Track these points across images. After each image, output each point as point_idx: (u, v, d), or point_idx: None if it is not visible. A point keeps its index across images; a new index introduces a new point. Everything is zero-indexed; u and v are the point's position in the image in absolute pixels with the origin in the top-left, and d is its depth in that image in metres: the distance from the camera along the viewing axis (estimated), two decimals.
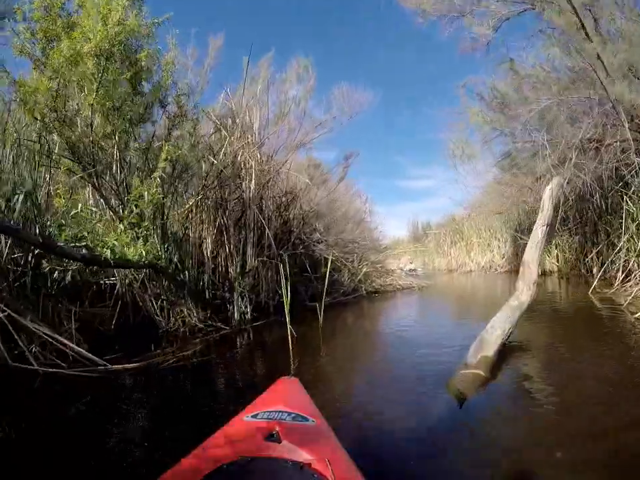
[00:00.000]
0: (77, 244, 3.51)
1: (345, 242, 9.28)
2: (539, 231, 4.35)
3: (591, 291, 8.19)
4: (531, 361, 3.94)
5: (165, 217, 6.46)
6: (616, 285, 8.29)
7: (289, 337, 4.96)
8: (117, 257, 3.89)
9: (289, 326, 5.10)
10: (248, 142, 7.89)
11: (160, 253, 5.84)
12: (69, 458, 2.38)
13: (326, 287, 6.83)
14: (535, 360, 4.00)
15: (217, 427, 1.69)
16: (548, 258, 14.41)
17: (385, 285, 11.30)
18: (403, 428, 2.56)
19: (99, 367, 3.83)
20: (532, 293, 3.99)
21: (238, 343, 5.65)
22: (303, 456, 1.41)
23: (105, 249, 3.62)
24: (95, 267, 4.97)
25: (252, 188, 7.72)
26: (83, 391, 3.49)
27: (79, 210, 3.66)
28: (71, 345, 3.82)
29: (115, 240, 3.73)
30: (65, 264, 4.24)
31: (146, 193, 4.80)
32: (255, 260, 7.37)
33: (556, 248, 14.28)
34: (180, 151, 5.44)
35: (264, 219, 7.70)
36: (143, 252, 4.35)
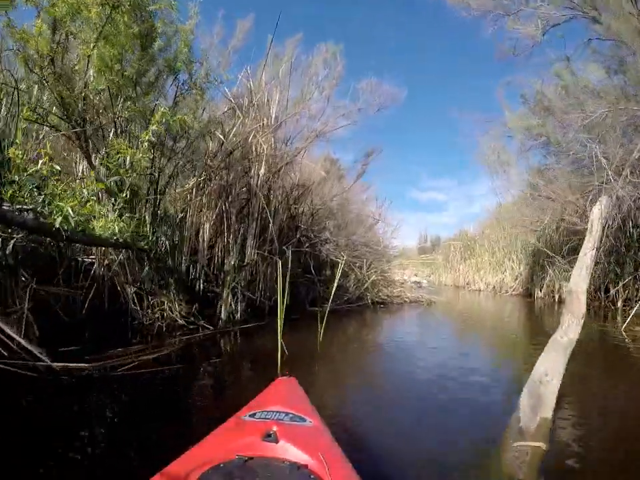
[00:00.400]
0: (23, 207, 2.81)
1: (355, 245, 8.53)
2: (588, 255, 3.63)
3: (623, 328, 7.42)
4: (588, 424, 2.98)
5: (159, 195, 5.80)
6: None
7: (279, 351, 4.02)
8: (77, 229, 3.17)
9: (280, 340, 4.08)
10: (262, 124, 7.22)
11: (147, 234, 5.22)
12: None
13: (333, 292, 6.07)
14: (591, 421, 3.08)
15: (214, 427, 1.67)
16: (565, 284, 13.64)
17: (392, 296, 10.47)
18: None
19: (39, 363, 3.09)
20: (579, 329, 3.28)
21: (219, 349, 4.84)
22: (300, 456, 1.41)
23: (56, 216, 2.89)
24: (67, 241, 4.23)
25: (261, 175, 7.03)
26: (18, 389, 2.82)
27: (39, 167, 2.95)
28: (7, 330, 3.06)
29: (71, 206, 2.99)
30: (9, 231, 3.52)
31: (128, 157, 4.09)
32: (254, 253, 6.67)
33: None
34: (178, 117, 4.72)
35: (270, 210, 7.03)
36: (116, 228, 3.62)
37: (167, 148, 5.95)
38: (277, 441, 1.46)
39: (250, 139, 7.07)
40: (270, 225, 6.87)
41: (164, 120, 4.44)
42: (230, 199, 6.75)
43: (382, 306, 9.64)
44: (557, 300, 13.71)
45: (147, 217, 5.61)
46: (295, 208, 7.79)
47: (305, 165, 8.37)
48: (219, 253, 6.71)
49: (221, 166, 6.75)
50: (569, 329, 3.29)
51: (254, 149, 7.16)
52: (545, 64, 10.60)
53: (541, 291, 14.83)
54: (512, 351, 5.89)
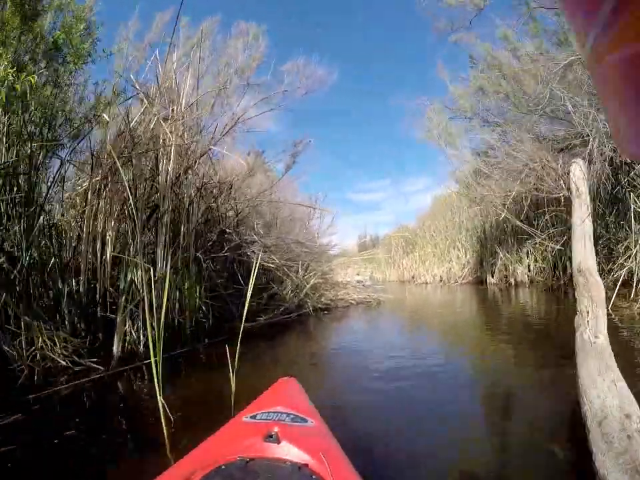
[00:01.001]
0: None
1: (287, 245, 7.43)
2: (585, 223, 2.84)
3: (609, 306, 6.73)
4: None
5: (37, 199, 4.62)
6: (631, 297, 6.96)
7: (161, 414, 2.52)
8: None
9: (160, 400, 2.56)
10: (172, 111, 6.12)
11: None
12: None
13: (264, 302, 5.06)
14: None
15: (216, 429, 1.61)
16: (520, 267, 13.14)
17: (336, 300, 9.52)
18: None
19: None
20: (606, 319, 2.45)
21: (86, 409, 3.30)
22: (302, 457, 1.40)
23: None
24: None
25: (170, 171, 5.93)
26: None
27: None
28: None
29: None
30: None
31: None
32: (165, 265, 5.54)
33: (527, 256, 13.02)
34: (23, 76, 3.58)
35: (183, 213, 5.95)
36: None
37: (45, 138, 4.82)
38: (278, 442, 1.44)
39: (153, 127, 5.96)
40: (183, 230, 5.79)
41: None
42: (134, 202, 5.60)
43: (326, 312, 8.64)
44: (513, 284, 13.23)
45: (19, 228, 4.44)
46: (215, 208, 6.69)
47: (226, 160, 7.36)
48: (124, 268, 5.55)
49: (122, 162, 5.61)
50: (598, 323, 2.42)
51: (161, 141, 6.06)
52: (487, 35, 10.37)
53: (493, 276, 14.46)
54: (480, 348, 5.14)
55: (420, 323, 7.81)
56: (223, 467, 1.34)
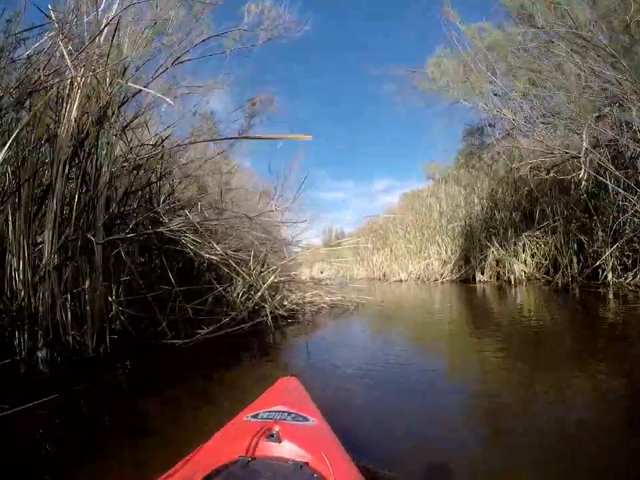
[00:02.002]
0: None
1: (240, 231, 5.50)
2: None
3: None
4: None
5: None
6: None
7: None
8: None
9: None
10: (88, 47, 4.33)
11: None
12: None
13: (207, 308, 3.32)
14: None
15: (217, 429, 1.59)
16: (515, 263, 11.58)
17: (302, 303, 7.49)
18: None
19: None
20: None
21: None
22: (303, 456, 1.39)
23: None
24: None
25: (73, 120, 4.18)
26: None
27: None
28: None
29: None
30: None
31: None
32: (54, 254, 3.77)
33: (523, 250, 11.49)
34: None
35: (89, 181, 4.21)
36: None
37: None
38: (279, 441, 1.43)
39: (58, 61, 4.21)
40: (84, 200, 4.07)
41: None
42: (24, 165, 3.83)
43: (290, 320, 6.51)
44: (512, 282, 11.63)
45: None
46: (138, 177, 4.84)
47: (163, 120, 5.67)
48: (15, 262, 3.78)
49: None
50: None
51: (64, 84, 4.30)
52: None
53: (483, 273, 12.84)
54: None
55: (427, 339, 5.57)
56: (225, 466, 1.33)
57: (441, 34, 11.87)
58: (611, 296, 7.48)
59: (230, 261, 4.92)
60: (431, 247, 17.24)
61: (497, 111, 9.08)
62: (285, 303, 6.79)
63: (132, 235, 4.32)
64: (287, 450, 1.39)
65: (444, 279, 15.49)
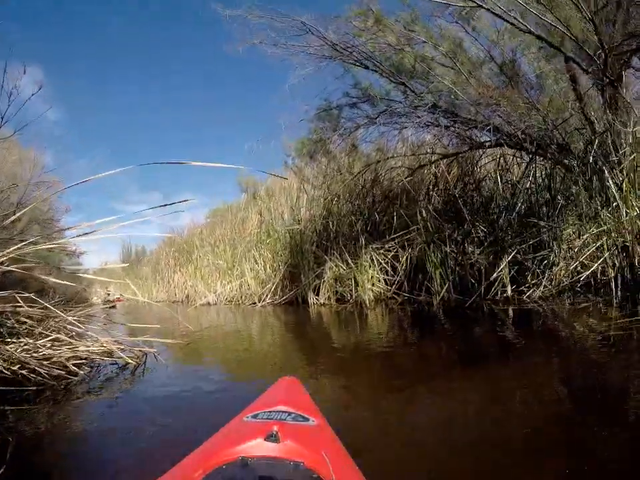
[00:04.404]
0: None
1: None
2: None
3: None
4: None
5: None
6: None
7: None
8: None
9: None
10: None
11: None
12: None
13: None
14: None
15: (217, 429, 1.57)
16: (361, 281, 9.11)
17: (30, 367, 3.22)
18: None
19: None
20: None
21: None
22: (303, 456, 1.38)
23: None
24: None
25: None
26: None
27: None
28: None
29: None
30: None
31: None
32: None
33: (370, 266, 9.08)
34: None
35: None
36: None
37: None
38: (279, 441, 1.41)
39: None
40: None
41: None
42: None
43: None
44: (361, 304, 9.00)
45: None
46: None
47: None
48: None
49: None
50: None
51: None
52: None
53: (318, 294, 10.18)
54: None
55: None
56: (224, 466, 1.34)
57: None
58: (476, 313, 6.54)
59: None
60: (246, 263, 14.34)
61: None
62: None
63: None
64: (287, 450, 1.38)
65: (264, 302, 12.60)
